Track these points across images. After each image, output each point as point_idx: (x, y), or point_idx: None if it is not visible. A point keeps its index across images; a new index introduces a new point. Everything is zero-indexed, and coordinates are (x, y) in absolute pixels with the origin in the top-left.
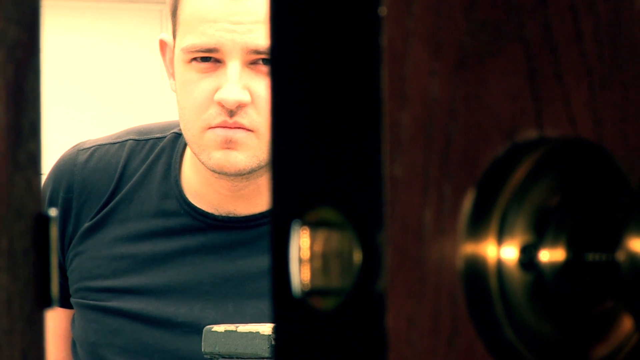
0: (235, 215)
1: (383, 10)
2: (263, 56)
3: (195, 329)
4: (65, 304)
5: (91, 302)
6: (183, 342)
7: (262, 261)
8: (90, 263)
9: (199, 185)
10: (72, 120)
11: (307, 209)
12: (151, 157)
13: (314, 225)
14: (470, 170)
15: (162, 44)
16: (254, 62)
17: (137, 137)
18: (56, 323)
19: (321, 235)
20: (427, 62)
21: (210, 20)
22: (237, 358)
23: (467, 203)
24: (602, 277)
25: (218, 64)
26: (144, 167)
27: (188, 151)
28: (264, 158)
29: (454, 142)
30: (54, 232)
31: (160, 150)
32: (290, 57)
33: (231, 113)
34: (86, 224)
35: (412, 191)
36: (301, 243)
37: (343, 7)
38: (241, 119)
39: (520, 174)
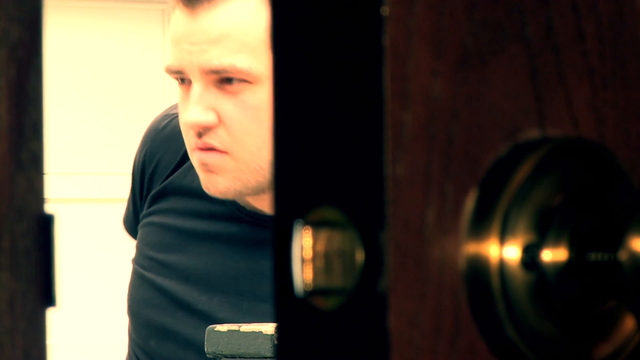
0: (261, 212)
1: (385, 10)
2: (224, 75)
3: (209, 321)
4: None
5: (137, 266)
6: (196, 330)
7: None
8: (148, 227)
9: None
10: (74, 120)
11: (310, 208)
12: None
13: (316, 225)
14: (472, 170)
15: None
16: (222, 81)
17: None
18: None
19: (323, 234)
20: (429, 62)
21: (175, 41)
22: (240, 358)
23: (469, 203)
24: (604, 276)
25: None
26: None
27: None
28: (249, 180)
29: (456, 142)
30: (56, 231)
31: None
32: (292, 57)
33: (199, 134)
34: (153, 191)
35: (414, 191)
36: (303, 243)
37: (345, 6)
38: (210, 139)
39: (522, 173)
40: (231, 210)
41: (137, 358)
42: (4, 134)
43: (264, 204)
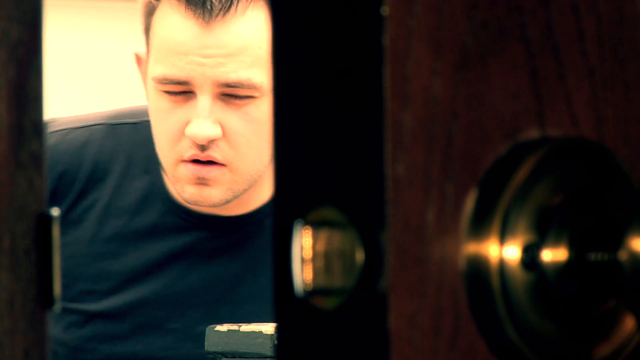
0: (222, 215)
1: (385, 10)
2: (234, 90)
3: (185, 335)
4: None
5: (72, 304)
6: (175, 348)
7: (255, 264)
8: (70, 261)
9: None
10: None
11: (310, 208)
12: (128, 146)
13: (317, 225)
14: (472, 170)
15: (138, 59)
16: (226, 94)
17: (107, 122)
18: None
19: (323, 234)
20: (429, 62)
21: (181, 52)
22: (240, 357)
23: (469, 202)
24: (604, 276)
25: (189, 95)
26: (123, 157)
27: None
28: (239, 189)
29: (456, 142)
30: (56, 231)
31: (138, 141)
32: (292, 56)
33: (203, 147)
34: (63, 212)
35: (414, 191)
36: (303, 242)
37: (345, 6)
38: (213, 152)
39: (522, 173)
40: (177, 221)
41: None
42: (4, 134)
43: (219, 209)
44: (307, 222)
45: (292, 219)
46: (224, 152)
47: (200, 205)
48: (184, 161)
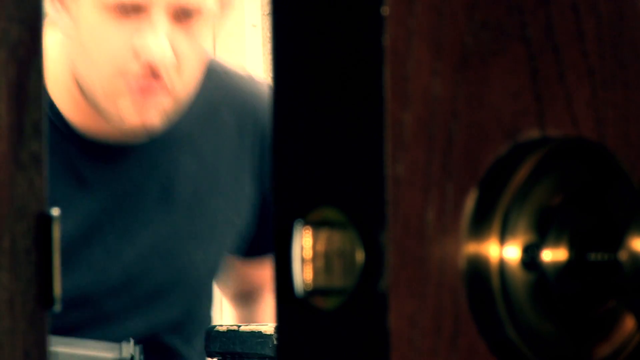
0: (120, 142)
1: (385, 10)
2: (188, 12)
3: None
4: None
5: None
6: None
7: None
8: None
9: (85, 110)
10: None
11: (310, 208)
12: None
13: (317, 225)
14: (472, 170)
15: None
16: (179, 17)
17: None
18: None
19: (323, 234)
20: (429, 62)
21: None
22: (240, 357)
23: (470, 202)
24: (604, 276)
25: (139, 12)
26: None
27: (49, 74)
28: (169, 115)
29: (456, 142)
30: (56, 231)
31: None
32: (292, 56)
33: (152, 68)
34: None
35: (415, 191)
36: (303, 242)
37: (345, 6)
38: (164, 75)
39: (522, 173)
40: (87, 151)
41: None
42: (4, 134)
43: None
44: (307, 222)
45: (292, 219)
46: (170, 76)
47: (133, 127)
48: (126, 80)
